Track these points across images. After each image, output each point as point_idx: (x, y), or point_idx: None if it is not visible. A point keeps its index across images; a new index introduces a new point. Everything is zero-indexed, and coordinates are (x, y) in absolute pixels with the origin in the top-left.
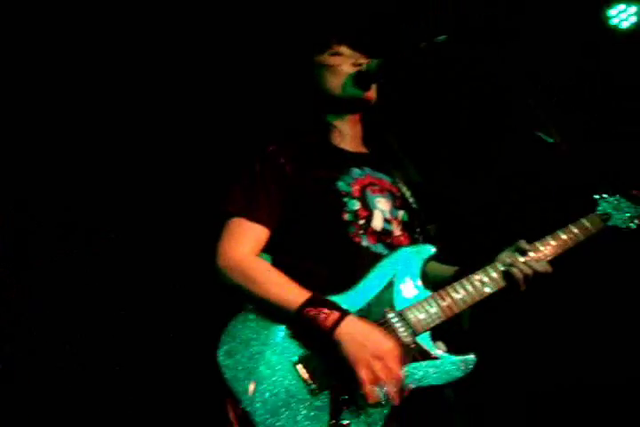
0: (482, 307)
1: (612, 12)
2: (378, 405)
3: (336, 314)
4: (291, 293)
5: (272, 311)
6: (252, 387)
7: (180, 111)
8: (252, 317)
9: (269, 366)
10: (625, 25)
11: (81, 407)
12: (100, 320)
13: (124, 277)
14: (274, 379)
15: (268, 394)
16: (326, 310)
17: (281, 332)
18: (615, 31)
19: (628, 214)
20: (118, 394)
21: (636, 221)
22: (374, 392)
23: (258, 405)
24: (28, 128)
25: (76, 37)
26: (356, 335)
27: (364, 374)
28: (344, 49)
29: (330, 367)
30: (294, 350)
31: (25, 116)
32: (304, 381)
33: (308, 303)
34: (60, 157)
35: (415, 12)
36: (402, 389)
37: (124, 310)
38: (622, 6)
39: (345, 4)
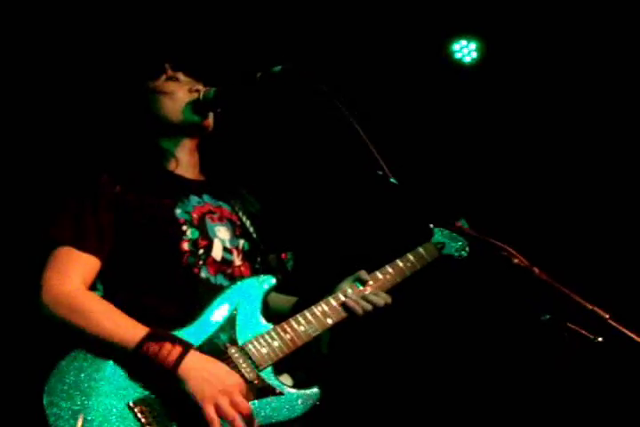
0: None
1: (455, 46)
2: None
3: (179, 349)
4: (127, 328)
5: (106, 349)
6: None
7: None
8: (82, 356)
9: (103, 411)
10: (468, 59)
11: None
12: None
13: None
14: (107, 425)
15: None
16: (168, 345)
17: (116, 372)
18: (459, 65)
19: (460, 243)
20: None
21: (467, 250)
22: None
23: None
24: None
25: None
26: (200, 371)
27: (210, 410)
28: (179, 75)
29: (171, 408)
30: (131, 392)
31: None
32: (142, 425)
33: (147, 338)
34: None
35: (253, 39)
36: (250, 424)
37: None
38: (464, 42)
39: (182, 31)
